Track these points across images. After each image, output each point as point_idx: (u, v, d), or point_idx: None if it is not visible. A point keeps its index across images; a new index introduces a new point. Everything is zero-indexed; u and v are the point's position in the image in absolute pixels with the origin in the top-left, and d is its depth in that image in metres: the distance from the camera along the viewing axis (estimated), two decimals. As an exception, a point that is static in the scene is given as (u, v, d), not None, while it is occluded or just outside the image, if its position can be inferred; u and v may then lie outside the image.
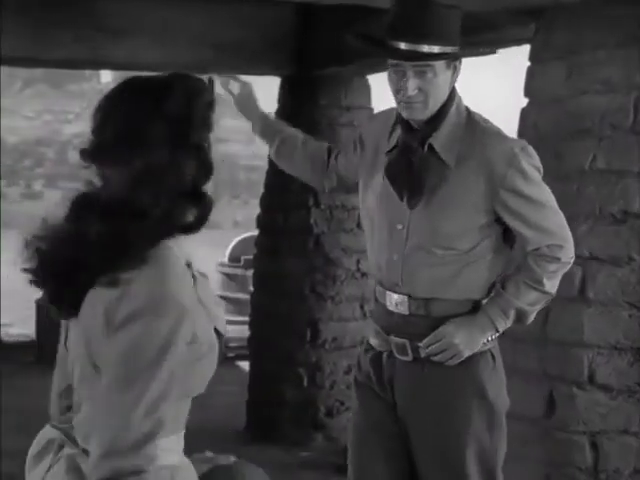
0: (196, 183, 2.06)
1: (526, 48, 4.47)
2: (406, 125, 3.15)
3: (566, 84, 4.13)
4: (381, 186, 3.20)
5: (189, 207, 2.05)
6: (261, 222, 7.29)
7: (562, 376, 4.01)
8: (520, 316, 3.14)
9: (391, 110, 3.29)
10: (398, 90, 3.07)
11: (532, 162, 3.10)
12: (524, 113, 4.35)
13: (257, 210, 7.44)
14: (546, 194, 3.13)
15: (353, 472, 3.32)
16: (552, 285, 3.13)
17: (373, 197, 3.23)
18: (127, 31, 6.40)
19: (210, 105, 2.10)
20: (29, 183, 44.12)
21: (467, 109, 3.16)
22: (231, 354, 10.37)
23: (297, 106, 6.93)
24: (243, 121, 3.50)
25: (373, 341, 3.27)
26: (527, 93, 4.36)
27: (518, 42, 5.03)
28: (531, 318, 3.17)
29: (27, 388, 7.82)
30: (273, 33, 6.70)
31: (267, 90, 8.47)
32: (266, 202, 7.24)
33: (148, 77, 2.11)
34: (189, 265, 2.11)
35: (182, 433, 2.13)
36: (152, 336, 1.96)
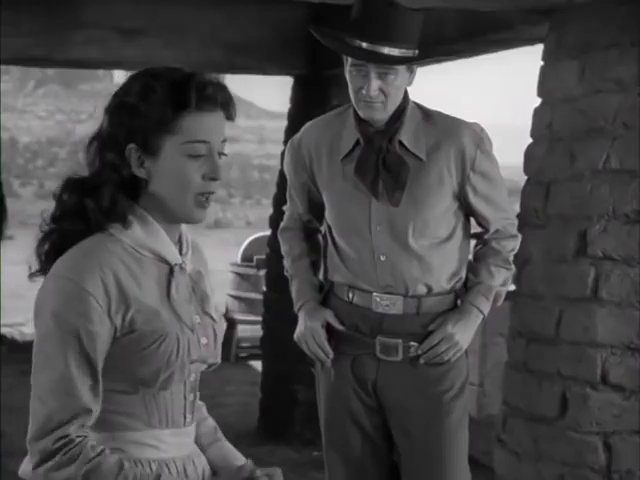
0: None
1: (539, 47, 4.46)
2: (365, 126, 3.15)
3: (579, 83, 4.12)
4: (345, 192, 3.21)
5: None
6: (273, 222, 7.29)
7: (575, 376, 4.00)
8: (496, 298, 3.30)
9: (327, 118, 3.33)
10: (359, 89, 3.09)
11: (490, 142, 3.23)
12: (537, 113, 4.34)
13: (270, 210, 7.45)
14: (499, 171, 3.28)
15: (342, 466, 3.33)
16: (512, 263, 3.33)
17: (339, 204, 3.24)
18: (140, 31, 6.41)
19: (157, 124, 2.04)
20: (42, 183, 44.24)
21: (415, 103, 3.22)
22: (243, 354, 10.38)
23: (309, 106, 6.93)
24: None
25: (344, 347, 3.27)
26: (540, 92, 4.35)
27: (531, 41, 5.02)
28: (502, 299, 3.34)
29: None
30: (285, 33, 6.70)
31: (279, 90, 8.47)
32: (279, 202, 7.23)
33: (160, 76, 2.07)
34: (160, 257, 2.10)
35: (167, 430, 2.12)
36: (46, 321, 2.04)
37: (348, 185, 3.18)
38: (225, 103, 2.07)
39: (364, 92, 3.06)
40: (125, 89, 2.08)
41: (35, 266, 2.11)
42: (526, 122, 4.43)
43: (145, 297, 2.05)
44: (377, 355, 3.20)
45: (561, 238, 4.09)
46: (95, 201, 2.05)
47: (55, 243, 2.08)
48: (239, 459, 2.25)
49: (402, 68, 3.07)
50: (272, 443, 6.60)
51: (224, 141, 2.09)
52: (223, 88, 2.08)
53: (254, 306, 10.14)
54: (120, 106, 2.06)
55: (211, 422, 2.34)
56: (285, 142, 7.24)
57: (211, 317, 2.17)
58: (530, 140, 4.37)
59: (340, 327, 3.25)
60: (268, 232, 7.53)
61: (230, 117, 2.09)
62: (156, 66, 2.10)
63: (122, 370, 2.05)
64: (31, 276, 2.11)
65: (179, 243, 2.15)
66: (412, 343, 3.18)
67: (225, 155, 2.10)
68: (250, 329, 10.18)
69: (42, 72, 48.94)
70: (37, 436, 2.00)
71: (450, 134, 3.15)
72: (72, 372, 2.00)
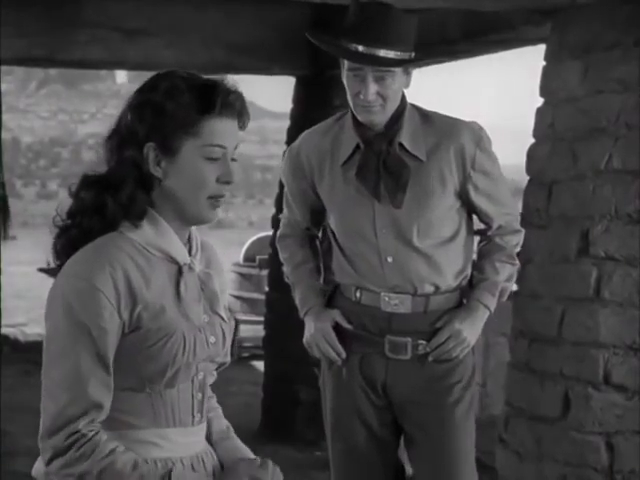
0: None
1: (541, 47, 4.46)
2: (364, 130, 3.16)
3: (582, 83, 4.12)
4: (348, 197, 3.22)
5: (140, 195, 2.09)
6: (276, 222, 7.29)
7: (577, 376, 4.01)
8: (501, 294, 3.31)
9: (326, 124, 3.33)
10: (357, 94, 3.10)
11: (489, 140, 3.24)
12: (539, 113, 4.34)
13: (272, 210, 7.45)
14: (500, 168, 3.29)
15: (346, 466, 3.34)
16: (516, 257, 3.34)
17: (342, 210, 3.25)
18: (142, 31, 6.41)
19: (165, 119, 2.06)
20: (44, 183, 44.29)
21: (412, 105, 3.23)
22: (245, 354, 10.39)
23: (311, 106, 6.93)
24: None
25: (352, 345, 3.28)
26: (542, 93, 4.35)
27: (533, 42, 5.02)
28: (508, 294, 3.36)
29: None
30: (287, 33, 6.70)
31: (282, 90, 8.47)
32: (281, 202, 7.23)
33: (187, 79, 2.10)
34: (169, 256, 2.11)
35: (174, 429, 2.12)
36: (58, 318, 2.03)
37: (350, 190, 3.20)
38: (241, 112, 2.14)
39: (362, 97, 3.08)
40: (151, 87, 2.10)
41: (51, 261, 2.13)
42: (527, 122, 4.42)
43: (153, 295, 2.07)
44: (386, 354, 3.22)
45: (563, 238, 4.09)
46: (114, 197, 2.07)
47: (72, 239, 2.10)
48: (247, 455, 2.26)
49: (399, 71, 3.09)
50: (274, 443, 6.59)
51: (236, 147, 2.15)
52: (242, 98, 2.15)
53: (256, 306, 10.14)
54: (145, 103, 2.08)
55: (225, 422, 2.35)
56: (288, 142, 7.25)
57: (220, 317, 2.19)
58: (531, 140, 4.37)
59: (348, 326, 3.26)
60: (270, 232, 7.53)
61: (243, 126, 2.16)
62: (180, 69, 2.13)
63: (129, 367, 2.06)
64: (49, 272, 2.12)
65: (188, 244, 2.17)
66: (420, 341, 3.21)
67: (235, 160, 2.15)
68: (252, 329, 10.19)
69: (44, 72, 48.99)
70: (49, 432, 2.02)
71: (449, 134, 3.17)
72: (83, 368, 2.01)
